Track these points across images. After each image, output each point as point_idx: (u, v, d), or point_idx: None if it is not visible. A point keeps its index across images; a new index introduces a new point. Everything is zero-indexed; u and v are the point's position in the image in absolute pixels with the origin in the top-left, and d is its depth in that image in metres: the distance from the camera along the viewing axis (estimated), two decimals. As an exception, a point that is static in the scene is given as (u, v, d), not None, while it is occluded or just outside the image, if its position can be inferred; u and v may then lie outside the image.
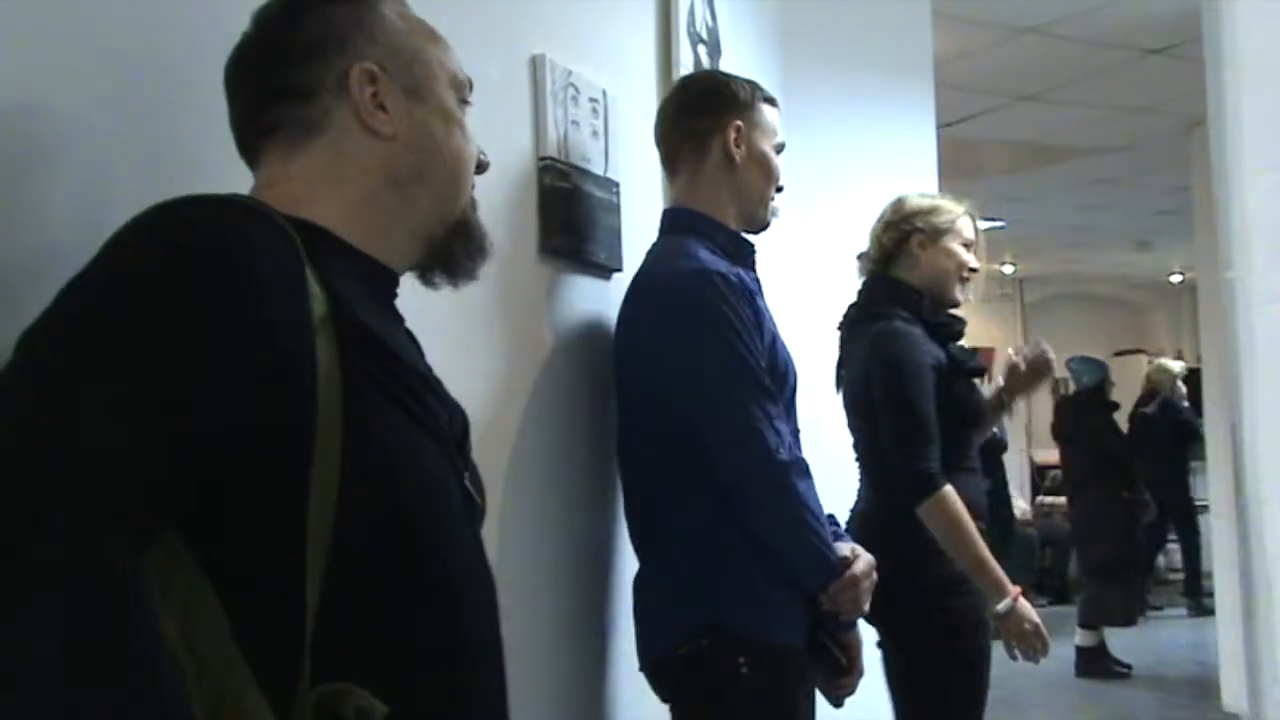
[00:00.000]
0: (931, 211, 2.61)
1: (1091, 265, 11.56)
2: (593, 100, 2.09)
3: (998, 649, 2.49)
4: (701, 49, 2.61)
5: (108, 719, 0.77)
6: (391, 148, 1.11)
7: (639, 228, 2.15)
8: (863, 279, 2.69)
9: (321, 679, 0.92)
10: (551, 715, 1.88)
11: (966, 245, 2.61)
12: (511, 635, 1.14)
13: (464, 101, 1.19)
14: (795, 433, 1.99)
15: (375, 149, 1.11)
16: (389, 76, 1.11)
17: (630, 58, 2.37)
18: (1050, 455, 8.94)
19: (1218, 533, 5.91)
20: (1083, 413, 6.90)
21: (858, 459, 2.63)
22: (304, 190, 1.07)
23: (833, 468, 2.36)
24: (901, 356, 2.47)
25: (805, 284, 2.99)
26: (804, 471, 1.89)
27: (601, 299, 2.10)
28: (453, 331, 1.51)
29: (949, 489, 2.39)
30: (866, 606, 1.96)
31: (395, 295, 1.16)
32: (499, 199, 1.76)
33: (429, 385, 1.11)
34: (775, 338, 1.98)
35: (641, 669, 1.96)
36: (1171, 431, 7.87)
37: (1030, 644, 2.45)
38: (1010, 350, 2.85)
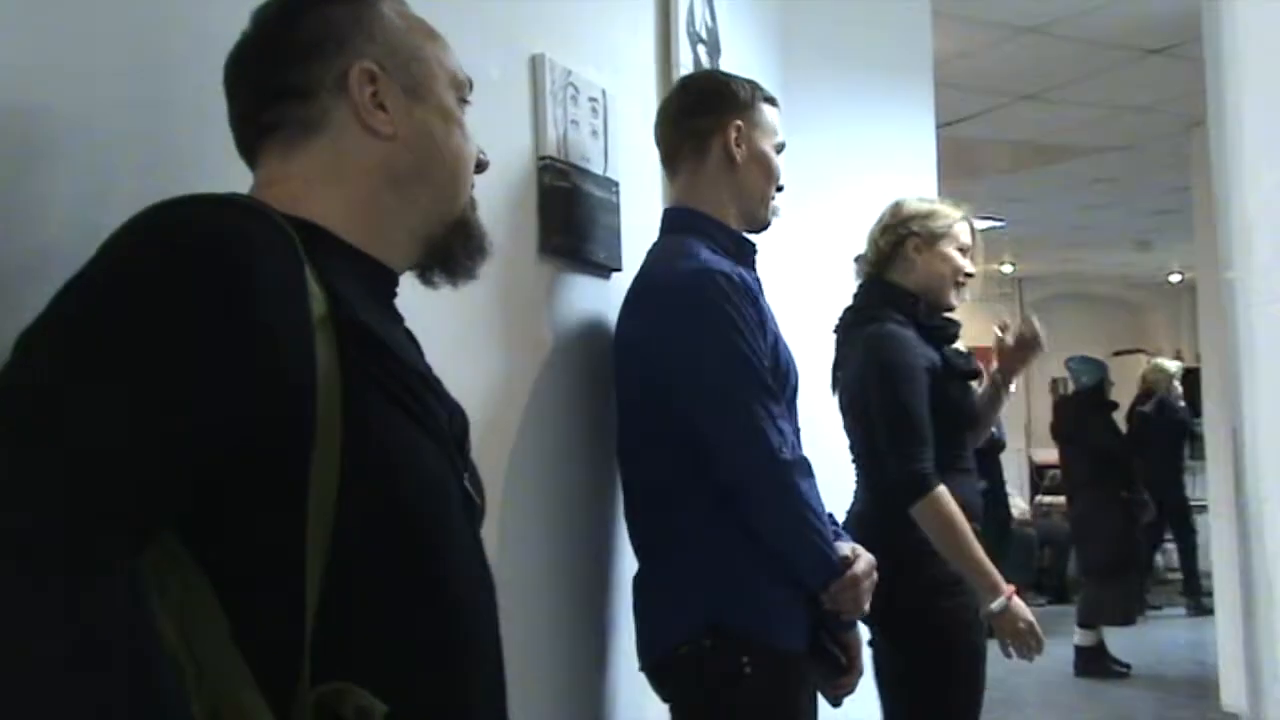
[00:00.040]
0: (928, 216, 2.61)
1: (1091, 265, 11.56)
2: (592, 100, 2.09)
3: (993, 648, 2.50)
4: (701, 49, 2.61)
5: (106, 719, 0.77)
6: (391, 147, 1.11)
7: (638, 227, 2.15)
8: (859, 281, 2.70)
9: (321, 678, 0.92)
10: (551, 715, 1.88)
11: (963, 250, 2.61)
12: (511, 635, 1.14)
13: (463, 101, 1.19)
14: (797, 432, 1.99)
15: (374, 148, 1.10)
16: (388, 76, 1.11)
17: (630, 57, 2.37)
18: (1049, 455, 8.96)
19: (1217, 532, 5.91)
20: (1082, 412, 6.90)
21: (854, 460, 2.64)
22: (303, 189, 1.07)
23: (830, 469, 2.36)
24: (895, 359, 2.48)
25: (805, 284, 2.99)
26: (806, 471, 1.90)
27: (601, 299, 2.10)
28: (453, 331, 1.51)
29: (942, 490, 2.40)
30: (867, 606, 1.96)
31: (395, 295, 1.16)
32: (499, 199, 1.76)
33: (429, 385, 1.10)
34: (777, 337, 1.98)
35: (642, 669, 1.96)
36: (1168, 431, 7.88)
37: (1024, 642, 2.46)
38: (996, 327, 2.83)
